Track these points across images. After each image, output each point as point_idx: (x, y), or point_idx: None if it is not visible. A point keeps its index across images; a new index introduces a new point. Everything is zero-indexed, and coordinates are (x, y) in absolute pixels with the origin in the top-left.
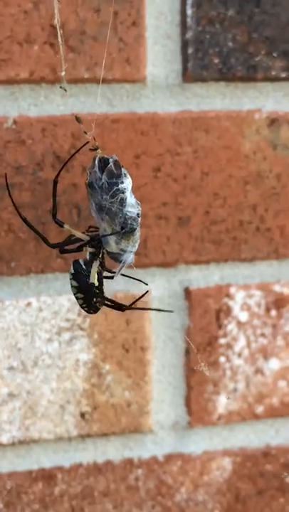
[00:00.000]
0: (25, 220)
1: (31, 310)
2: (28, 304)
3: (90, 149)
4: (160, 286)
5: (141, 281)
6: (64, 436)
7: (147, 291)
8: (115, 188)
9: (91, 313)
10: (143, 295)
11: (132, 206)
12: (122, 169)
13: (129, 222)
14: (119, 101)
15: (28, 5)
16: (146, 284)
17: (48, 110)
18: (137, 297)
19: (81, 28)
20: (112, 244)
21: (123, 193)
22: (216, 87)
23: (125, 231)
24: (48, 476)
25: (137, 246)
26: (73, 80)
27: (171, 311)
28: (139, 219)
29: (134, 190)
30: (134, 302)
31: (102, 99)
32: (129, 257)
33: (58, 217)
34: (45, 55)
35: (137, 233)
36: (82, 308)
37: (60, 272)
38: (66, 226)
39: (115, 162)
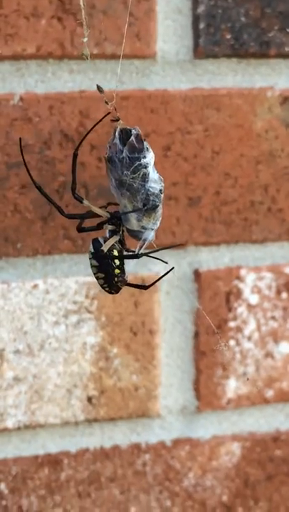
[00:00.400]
0: (40, 189)
1: (38, 292)
2: (35, 286)
3: (112, 120)
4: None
5: (162, 260)
6: (71, 421)
7: (172, 268)
8: (137, 163)
9: (112, 293)
10: (166, 273)
11: (155, 182)
12: (144, 143)
13: (152, 198)
14: (129, 77)
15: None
16: (167, 263)
17: (56, 87)
18: (146, 279)
19: (90, 2)
20: (132, 222)
21: (145, 167)
22: (228, 64)
23: (147, 208)
24: (54, 461)
25: (158, 223)
26: (81, 56)
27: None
28: (162, 195)
29: None
30: (157, 281)
31: (110, 76)
32: (150, 235)
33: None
34: (53, 29)
35: (160, 210)
36: (104, 288)
37: (67, 254)
38: (86, 202)
39: (137, 136)
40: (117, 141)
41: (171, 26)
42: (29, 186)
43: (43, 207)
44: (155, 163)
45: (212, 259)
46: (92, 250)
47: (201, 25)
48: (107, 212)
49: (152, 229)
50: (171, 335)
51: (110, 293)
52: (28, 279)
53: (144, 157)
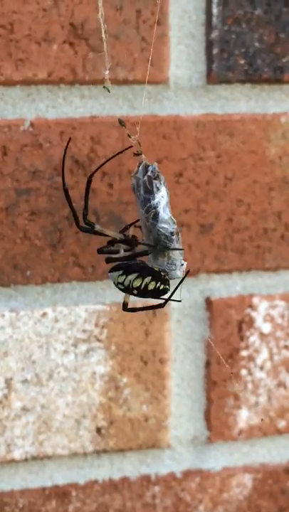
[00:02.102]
0: (66, 192)
1: (47, 321)
2: (44, 315)
3: (134, 154)
4: (180, 296)
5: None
6: (79, 452)
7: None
8: (148, 204)
9: (169, 287)
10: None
11: (166, 222)
12: (155, 183)
13: (162, 239)
14: (141, 103)
15: (47, 2)
16: (180, 301)
17: (67, 112)
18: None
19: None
20: (151, 259)
21: (155, 208)
22: (241, 89)
23: (159, 248)
24: (61, 493)
25: (178, 264)
26: (93, 81)
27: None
28: (174, 237)
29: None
30: (167, 300)
31: (122, 101)
32: (175, 273)
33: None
34: (65, 54)
35: (174, 252)
36: (164, 290)
37: (77, 281)
38: (98, 227)
39: (149, 177)
40: (140, 175)
41: (184, 51)
42: (39, 213)
43: (52, 234)
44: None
45: (224, 287)
46: (121, 279)
47: (215, 51)
48: (122, 234)
49: (173, 269)
50: (181, 364)
51: (168, 286)
52: (36, 307)
53: (154, 198)
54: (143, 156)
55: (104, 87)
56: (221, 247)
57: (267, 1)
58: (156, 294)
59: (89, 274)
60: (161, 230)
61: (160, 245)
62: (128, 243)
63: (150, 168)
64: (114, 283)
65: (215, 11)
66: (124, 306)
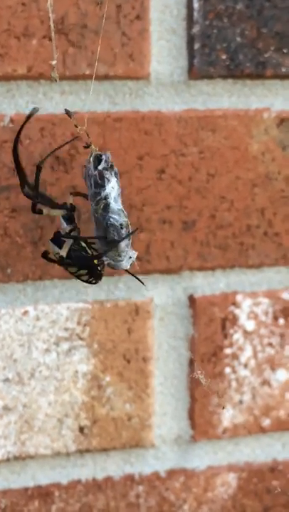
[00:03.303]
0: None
1: (28, 319)
2: (25, 313)
3: (84, 147)
4: (163, 294)
5: (139, 280)
6: (62, 452)
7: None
8: (98, 196)
9: (98, 282)
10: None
11: (116, 213)
12: (105, 174)
13: (111, 230)
14: (122, 99)
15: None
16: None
17: (47, 108)
18: (140, 305)
19: (82, 22)
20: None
21: (106, 199)
22: (223, 85)
23: (108, 241)
24: (44, 493)
25: (126, 256)
26: (74, 77)
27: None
28: (124, 230)
29: (137, 192)
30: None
31: (103, 97)
32: (120, 265)
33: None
34: (44, 49)
35: (122, 244)
36: (90, 282)
37: (58, 279)
38: (45, 211)
39: (99, 171)
40: (91, 166)
41: (165, 47)
42: (19, 210)
43: (33, 231)
44: (149, 187)
45: (207, 284)
46: (63, 254)
47: (196, 46)
48: (66, 207)
49: (118, 260)
50: (165, 362)
51: (97, 282)
52: (18, 305)
53: (104, 189)
54: (92, 146)
55: (51, 76)
56: (203, 244)
57: None
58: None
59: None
60: (111, 220)
61: (109, 237)
62: (68, 211)
63: (104, 158)
64: (48, 249)
65: (196, 5)
66: (44, 254)
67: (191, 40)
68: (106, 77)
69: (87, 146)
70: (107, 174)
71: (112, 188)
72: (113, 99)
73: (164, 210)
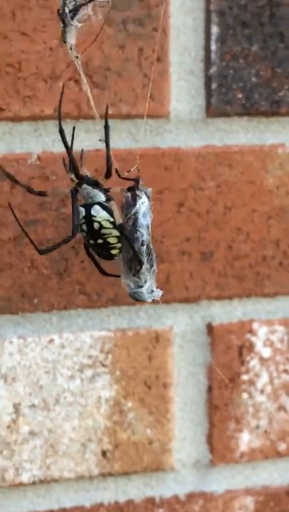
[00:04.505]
0: (62, 133)
1: (53, 347)
2: (51, 341)
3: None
4: (183, 322)
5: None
6: (85, 475)
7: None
8: (128, 214)
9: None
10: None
11: (144, 228)
12: (137, 193)
13: (135, 243)
14: (143, 136)
15: (53, 42)
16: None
17: (74, 145)
18: (160, 333)
19: (106, 65)
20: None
21: (135, 214)
22: (240, 122)
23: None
24: None
25: (145, 284)
26: (92, 116)
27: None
28: (144, 247)
29: (157, 225)
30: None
31: (126, 135)
32: (142, 296)
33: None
34: (70, 91)
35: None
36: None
37: (82, 309)
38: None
39: (133, 193)
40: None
41: (184, 87)
42: (46, 243)
43: (59, 263)
44: (168, 219)
45: (225, 313)
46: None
47: (214, 86)
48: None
49: (139, 286)
50: (184, 388)
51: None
52: (44, 333)
53: (134, 206)
54: (141, 182)
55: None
56: (221, 274)
57: (263, 38)
58: (102, 255)
59: (94, 302)
60: (137, 233)
61: (130, 252)
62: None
63: (147, 193)
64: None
65: (213, 47)
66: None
67: (208, 80)
68: (128, 116)
69: (137, 182)
70: (138, 193)
71: (142, 203)
72: (134, 136)
73: (183, 242)
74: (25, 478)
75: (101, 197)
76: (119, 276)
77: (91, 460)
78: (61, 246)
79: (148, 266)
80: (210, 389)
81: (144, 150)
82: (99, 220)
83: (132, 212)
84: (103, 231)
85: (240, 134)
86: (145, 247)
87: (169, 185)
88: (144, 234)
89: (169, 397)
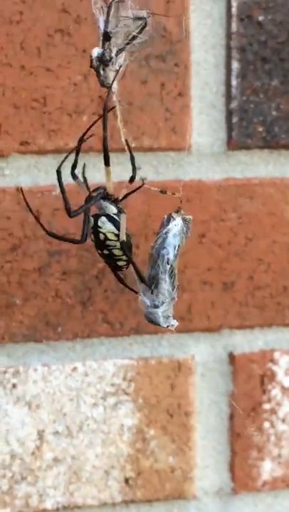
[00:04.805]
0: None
1: (77, 375)
2: (74, 369)
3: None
4: (204, 351)
5: (134, 290)
6: (108, 502)
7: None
8: (159, 233)
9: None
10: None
11: (171, 247)
12: (173, 215)
13: (160, 261)
14: (165, 169)
15: (77, 77)
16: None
17: (96, 178)
18: (182, 361)
19: (128, 99)
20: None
21: (166, 233)
22: (260, 155)
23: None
24: None
25: (162, 306)
26: (120, 149)
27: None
28: (168, 266)
29: (179, 255)
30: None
31: (148, 167)
32: (156, 318)
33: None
34: (94, 125)
35: (164, 285)
36: (121, 266)
37: (105, 337)
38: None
39: (169, 214)
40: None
41: (205, 120)
42: (70, 273)
43: (82, 292)
44: (190, 250)
45: (246, 342)
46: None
47: (234, 119)
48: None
49: (156, 306)
50: (206, 417)
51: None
52: (67, 361)
53: (167, 226)
54: (182, 211)
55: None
56: (242, 304)
57: (283, 73)
58: (110, 261)
59: (117, 330)
60: (163, 250)
61: (154, 270)
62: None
63: (187, 219)
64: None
65: (234, 82)
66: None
67: (229, 114)
68: (150, 149)
69: (178, 211)
70: (174, 215)
71: (175, 225)
72: (157, 169)
73: (205, 272)
74: (48, 504)
75: (112, 209)
76: (135, 292)
77: (114, 487)
78: (67, 241)
79: (169, 288)
80: (232, 417)
81: (166, 182)
82: (104, 231)
83: (164, 231)
84: (108, 242)
85: (260, 166)
86: (169, 266)
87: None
88: (170, 252)
89: (190, 425)
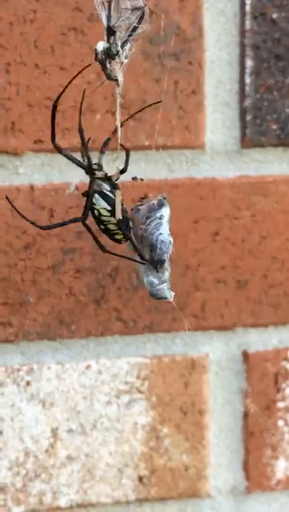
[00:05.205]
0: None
1: (91, 373)
2: (88, 367)
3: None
4: (218, 350)
5: (137, 261)
6: (122, 500)
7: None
8: (152, 216)
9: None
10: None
11: (167, 234)
12: (164, 202)
13: (160, 245)
14: (179, 167)
15: (91, 76)
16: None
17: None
18: (196, 360)
19: (142, 97)
20: (140, 276)
21: (160, 219)
22: (274, 152)
23: (155, 259)
24: None
25: (166, 281)
26: (134, 147)
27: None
28: (171, 247)
29: (193, 253)
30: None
31: (162, 165)
32: (163, 292)
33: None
34: (107, 123)
35: (167, 263)
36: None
37: (119, 335)
38: (65, 152)
39: (160, 200)
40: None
41: (219, 118)
42: (83, 271)
43: (96, 290)
44: (204, 248)
45: (260, 340)
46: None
47: (248, 117)
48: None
49: (162, 282)
50: (220, 415)
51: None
52: (81, 359)
53: (160, 211)
54: (150, 195)
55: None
56: (256, 302)
57: None
58: (110, 237)
59: (130, 328)
60: (160, 237)
61: (156, 254)
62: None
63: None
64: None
65: (248, 80)
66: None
67: (243, 112)
68: (164, 147)
69: (144, 197)
70: (165, 202)
71: (167, 212)
72: (170, 167)
73: (219, 270)
74: (62, 502)
75: (106, 187)
76: (119, 256)
77: (128, 485)
78: (67, 224)
79: (169, 263)
80: (246, 416)
81: (180, 180)
82: (98, 208)
83: (157, 215)
84: (102, 218)
85: (274, 164)
86: (172, 247)
87: (205, 215)
88: (169, 236)
89: (204, 423)
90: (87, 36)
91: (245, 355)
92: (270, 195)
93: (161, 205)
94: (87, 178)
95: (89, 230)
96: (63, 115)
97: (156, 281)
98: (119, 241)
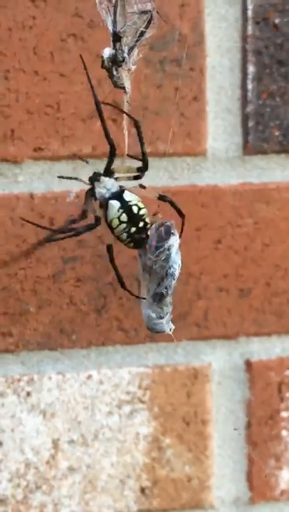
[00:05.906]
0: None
1: (92, 383)
2: (89, 377)
3: (153, 214)
4: (221, 359)
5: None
6: None
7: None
8: (160, 248)
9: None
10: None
11: (177, 264)
12: (172, 230)
13: (169, 278)
14: (180, 174)
15: (91, 82)
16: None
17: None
18: (198, 369)
19: (143, 104)
20: (145, 315)
21: (169, 249)
22: (277, 159)
23: (159, 292)
24: None
25: (166, 315)
26: (134, 155)
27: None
28: (175, 282)
29: (195, 262)
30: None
31: (163, 173)
32: (161, 326)
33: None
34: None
35: (168, 299)
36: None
37: (120, 345)
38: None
39: (166, 226)
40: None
41: (221, 125)
42: (84, 280)
43: (97, 299)
44: (206, 256)
45: (263, 349)
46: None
47: (250, 124)
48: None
49: (160, 317)
50: (223, 425)
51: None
52: (82, 369)
53: (168, 242)
54: (159, 215)
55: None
56: (259, 311)
57: None
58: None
59: (132, 338)
60: (171, 269)
61: (162, 287)
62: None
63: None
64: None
65: (250, 86)
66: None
67: (245, 118)
68: (165, 154)
69: (154, 214)
70: (173, 229)
71: (176, 241)
72: (172, 174)
73: (221, 279)
74: None
75: (116, 186)
76: (138, 297)
77: (130, 496)
78: (83, 232)
79: (170, 298)
80: (249, 426)
81: (182, 187)
82: (136, 202)
83: (166, 246)
84: (141, 212)
85: (277, 171)
86: (174, 282)
87: (207, 223)
88: (176, 270)
89: (207, 433)
90: (87, 42)
91: (249, 365)
92: (272, 202)
93: (168, 233)
94: (87, 186)
95: (112, 260)
96: (63, 122)
97: (154, 315)
98: (146, 237)
